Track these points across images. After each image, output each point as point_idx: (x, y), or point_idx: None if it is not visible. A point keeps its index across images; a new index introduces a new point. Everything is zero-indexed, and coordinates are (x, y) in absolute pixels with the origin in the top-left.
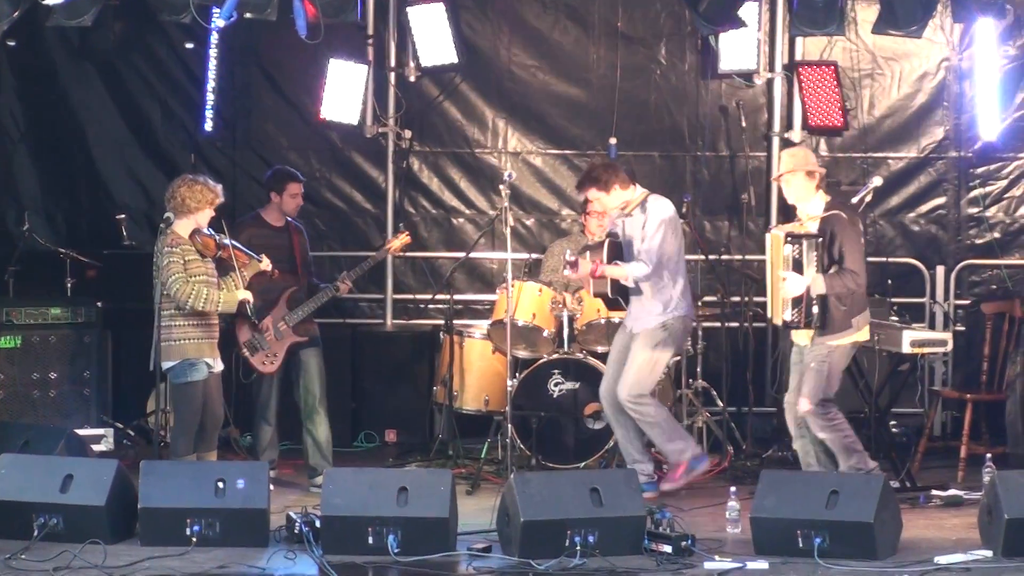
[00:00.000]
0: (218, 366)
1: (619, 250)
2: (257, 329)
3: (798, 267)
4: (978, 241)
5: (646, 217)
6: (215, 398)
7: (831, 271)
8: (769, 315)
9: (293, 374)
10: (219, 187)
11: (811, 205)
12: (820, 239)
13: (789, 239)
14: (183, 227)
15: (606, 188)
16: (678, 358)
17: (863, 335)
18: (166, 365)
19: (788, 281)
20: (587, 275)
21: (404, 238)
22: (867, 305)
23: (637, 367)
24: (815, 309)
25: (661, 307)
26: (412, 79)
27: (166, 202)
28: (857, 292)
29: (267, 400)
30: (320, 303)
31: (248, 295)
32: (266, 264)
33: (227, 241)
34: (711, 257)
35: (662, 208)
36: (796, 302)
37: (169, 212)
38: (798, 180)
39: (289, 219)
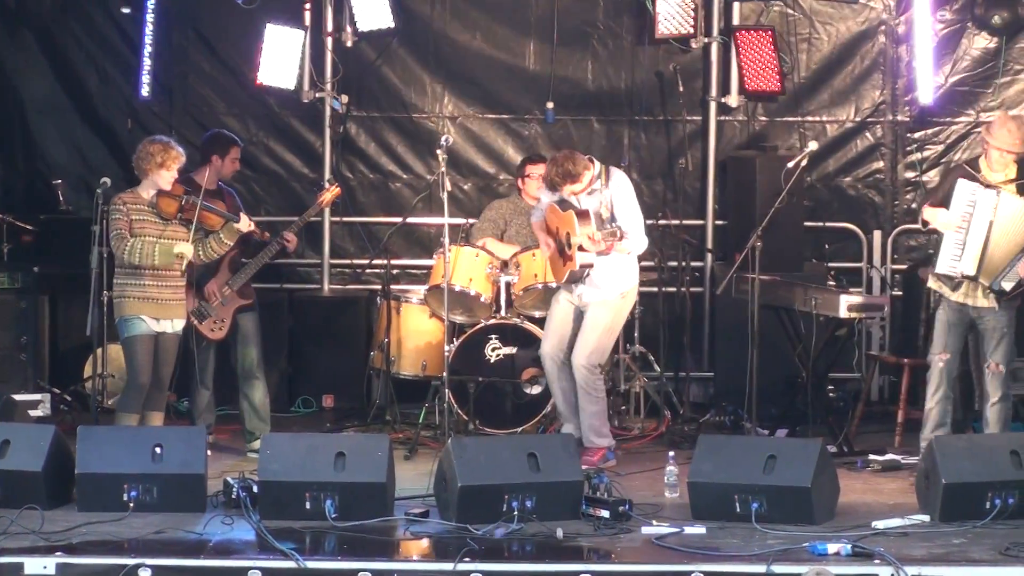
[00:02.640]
0: (166, 327)
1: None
2: (202, 296)
3: None
4: (915, 206)
5: (614, 190)
6: (163, 358)
7: None
8: (975, 273)
9: (230, 338)
10: (176, 148)
11: (1008, 169)
12: None
13: None
14: (144, 189)
15: (580, 180)
16: None
17: None
18: (117, 320)
19: None
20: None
21: (335, 190)
22: None
23: (599, 334)
24: None
25: (622, 276)
26: (349, 44)
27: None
28: None
29: (205, 364)
30: (262, 263)
31: (185, 249)
32: (244, 224)
33: (195, 201)
34: (648, 222)
35: (625, 180)
36: None
37: (106, 179)
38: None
39: (220, 183)
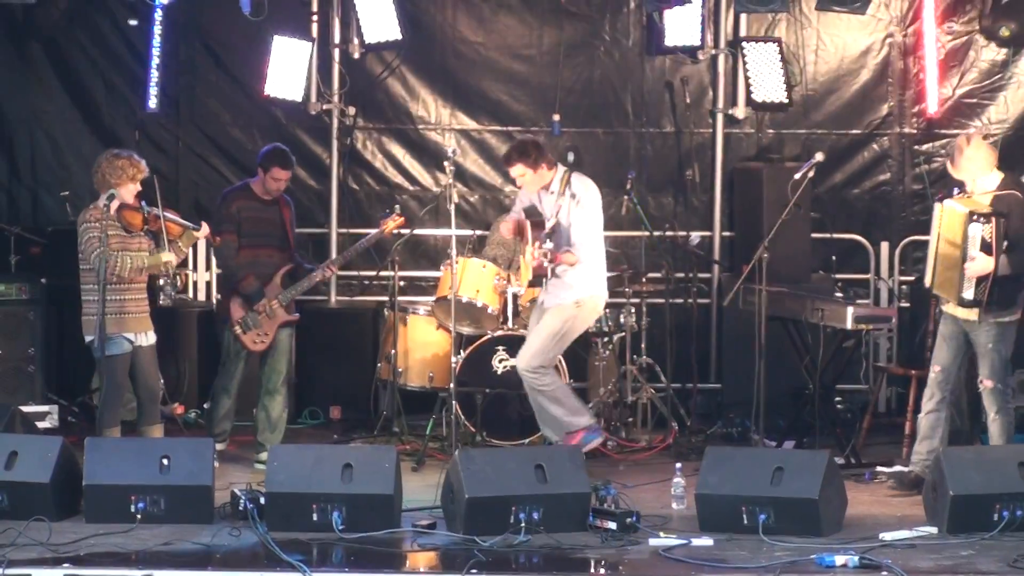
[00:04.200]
0: (143, 340)
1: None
2: (251, 307)
3: (987, 247)
4: (922, 217)
5: (577, 198)
6: (147, 371)
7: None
8: (930, 285)
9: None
10: (142, 162)
11: (987, 180)
12: (1004, 218)
13: (977, 218)
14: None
15: (535, 166)
16: (622, 335)
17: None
18: (87, 339)
19: (978, 261)
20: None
21: (399, 219)
22: None
23: (543, 338)
24: (995, 288)
25: (578, 285)
26: (356, 56)
27: (92, 177)
28: None
29: (233, 372)
30: (314, 282)
31: (171, 257)
32: (203, 232)
33: (158, 212)
34: (655, 234)
35: (591, 189)
36: (981, 280)
37: (113, 189)
38: (981, 154)
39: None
